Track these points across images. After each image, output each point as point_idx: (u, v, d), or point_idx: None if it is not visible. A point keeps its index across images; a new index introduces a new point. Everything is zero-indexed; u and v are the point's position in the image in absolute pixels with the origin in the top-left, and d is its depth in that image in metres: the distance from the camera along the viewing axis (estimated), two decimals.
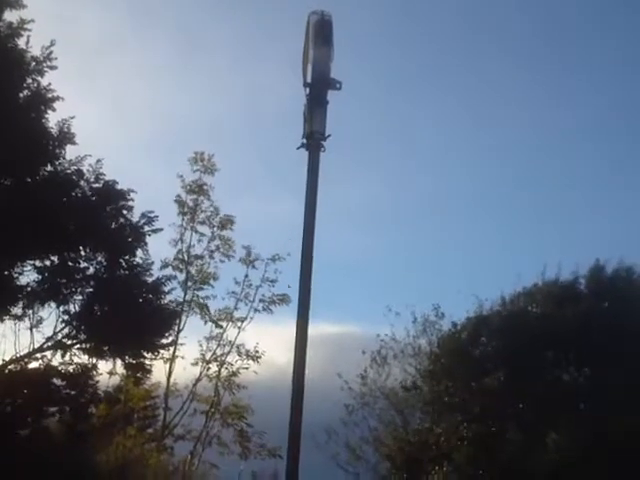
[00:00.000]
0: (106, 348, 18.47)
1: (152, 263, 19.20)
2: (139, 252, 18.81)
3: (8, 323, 18.43)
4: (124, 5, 50.26)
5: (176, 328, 25.36)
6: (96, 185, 18.40)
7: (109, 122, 46.55)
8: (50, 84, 17.86)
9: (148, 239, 18.91)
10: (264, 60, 50.38)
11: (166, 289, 19.55)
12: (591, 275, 27.63)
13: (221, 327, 27.74)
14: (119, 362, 19.40)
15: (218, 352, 27.75)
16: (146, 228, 18.76)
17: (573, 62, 54.47)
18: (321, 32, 11.35)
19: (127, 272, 18.69)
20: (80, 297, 18.36)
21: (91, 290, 18.38)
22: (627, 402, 23.65)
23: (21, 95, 17.73)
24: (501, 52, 55.16)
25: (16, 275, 18.11)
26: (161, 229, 19.20)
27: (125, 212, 18.65)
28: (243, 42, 53.67)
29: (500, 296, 27.61)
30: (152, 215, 18.88)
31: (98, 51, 48.04)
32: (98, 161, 18.40)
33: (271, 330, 30.80)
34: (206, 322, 27.76)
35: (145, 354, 19.10)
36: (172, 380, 27.34)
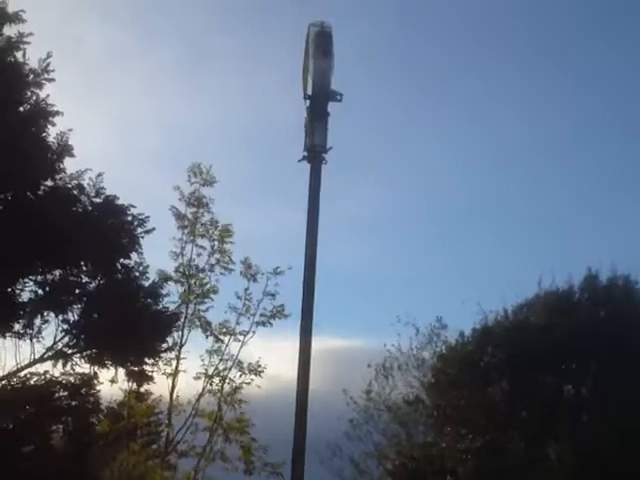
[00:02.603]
0: (106, 355, 18.38)
1: (148, 266, 19.07)
2: (134, 255, 18.74)
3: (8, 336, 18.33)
4: (127, 18, 50.32)
5: (177, 338, 25.48)
6: (96, 200, 18.33)
7: (112, 134, 46.67)
8: (48, 96, 17.80)
9: (144, 246, 18.85)
10: (268, 71, 50.36)
11: (163, 292, 19.51)
12: (586, 284, 27.59)
13: (222, 342, 27.70)
14: (120, 370, 19.28)
15: (220, 367, 27.69)
16: (139, 230, 18.67)
17: (573, 71, 54.50)
18: (321, 43, 11.34)
19: (123, 277, 18.61)
20: (79, 305, 18.24)
21: (89, 297, 18.28)
22: (629, 412, 23.57)
23: (21, 109, 17.69)
24: (502, 61, 55.18)
25: (17, 291, 18.04)
26: (153, 229, 19.01)
27: (126, 226, 18.58)
28: (246, 53, 53.68)
29: (503, 307, 27.58)
30: (144, 217, 18.69)
31: (100, 63, 48.18)
32: (99, 175, 18.27)
33: (278, 345, 30.74)
34: (208, 336, 27.72)
35: (146, 360, 19.00)
36: (175, 395, 27.30)
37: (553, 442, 25.12)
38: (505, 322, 27.33)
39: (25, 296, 18.05)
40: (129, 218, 18.51)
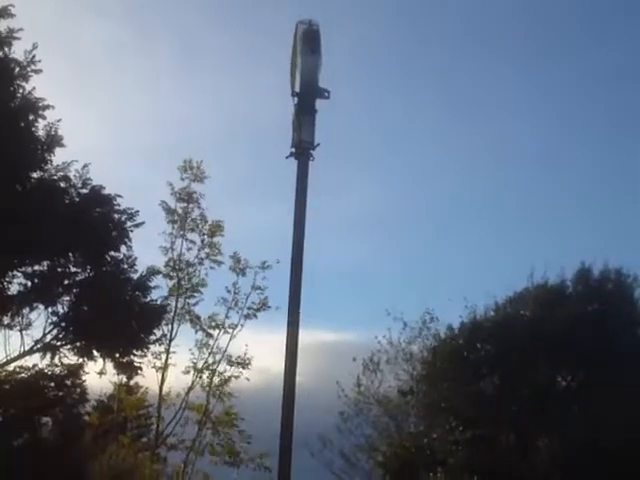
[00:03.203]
0: (95, 347, 18.34)
1: (136, 259, 19.01)
2: (123, 248, 18.68)
3: None
4: (121, 14, 50.31)
5: (166, 331, 25.51)
6: (83, 190, 18.27)
7: (105, 129, 46.68)
8: (34, 88, 17.70)
9: (134, 239, 18.81)
10: (262, 68, 50.28)
11: (152, 284, 19.46)
12: (578, 278, 27.60)
13: (212, 336, 27.74)
14: (109, 362, 19.24)
15: (210, 360, 27.75)
16: (128, 223, 18.63)
17: (573, 71, 54.54)
18: (309, 41, 11.33)
19: (112, 269, 18.58)
20: (68, 298, 18.22)
21: (78, 290, 18.25)
22: (619, 405, 23.59)
23: (11, 105, 17.62)
24: (498, 56, 55.24)
25: (6, 284, 18.01)
26: (143, 223, 18.94)
27: (114, 216, 18.54)
28: (241, 50, 53.73)
29: (493, 301, 27.59)
30: (133, 210, 18.66)
31: (94, 59, 48.07)
32: (84, 166, 18.16)
33: (267, 337, 30.80)
34: (197, 331, 27.76)
35: (134, 351, 18.98)
36: (165, 389, 27.32)
37: (543, 435, 25.16)
38: (494, 316, 27.34)
39: (14, 288, 18.06)
40: (118, 208, 18.50)
